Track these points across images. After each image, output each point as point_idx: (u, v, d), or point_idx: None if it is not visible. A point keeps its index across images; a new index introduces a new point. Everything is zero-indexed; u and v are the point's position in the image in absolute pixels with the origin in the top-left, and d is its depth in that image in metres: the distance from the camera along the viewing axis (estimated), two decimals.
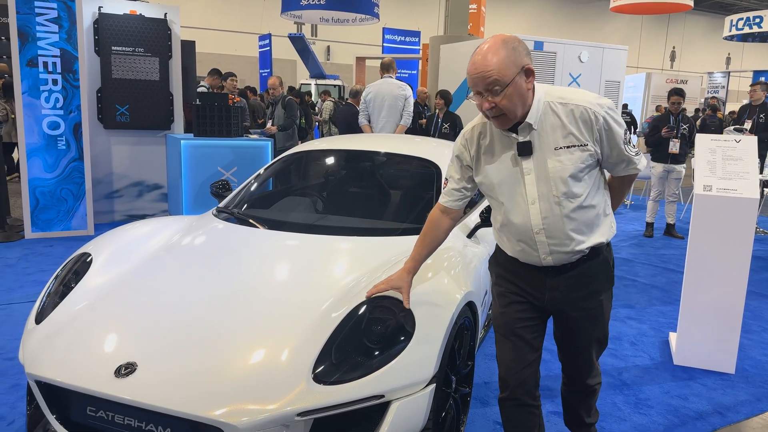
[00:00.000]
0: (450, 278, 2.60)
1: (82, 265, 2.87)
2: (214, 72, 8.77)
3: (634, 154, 2.08)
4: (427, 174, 3.61)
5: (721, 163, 3.55)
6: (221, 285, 2.65)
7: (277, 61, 21.27)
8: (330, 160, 4.04)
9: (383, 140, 4.41)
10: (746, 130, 8.72)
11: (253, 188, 3.83)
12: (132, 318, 2.48)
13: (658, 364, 3.77)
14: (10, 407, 2.96)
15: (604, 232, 2.12)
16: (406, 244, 2.94)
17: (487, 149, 2.09)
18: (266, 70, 19.50)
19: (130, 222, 3.42)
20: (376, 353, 2.22)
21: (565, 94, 2.00)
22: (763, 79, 17.46)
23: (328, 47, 29.79)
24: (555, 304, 2.17)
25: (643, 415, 3.09)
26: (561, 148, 1.96)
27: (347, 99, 7.86)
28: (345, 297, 2.45)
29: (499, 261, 2.30)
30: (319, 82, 21.38)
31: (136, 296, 2.64)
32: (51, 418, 2.31)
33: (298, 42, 19.09)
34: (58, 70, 6.23)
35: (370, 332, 2.28)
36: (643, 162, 2.13)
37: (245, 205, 3.64)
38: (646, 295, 5.23)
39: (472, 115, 2.30)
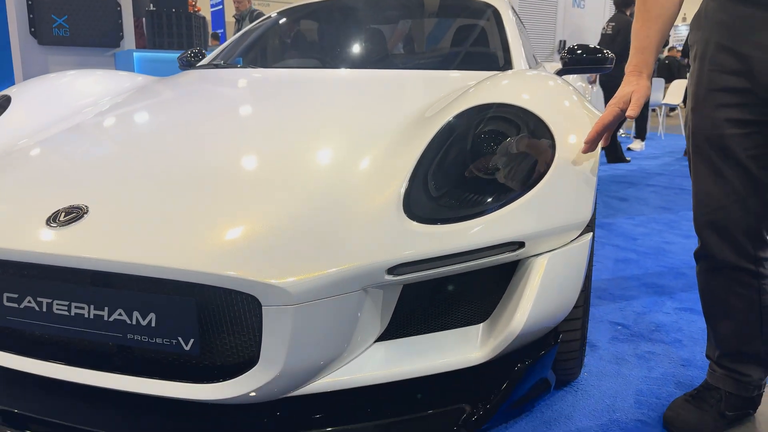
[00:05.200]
0: (577, 94, 1.70)
1: None
2: None
3: None
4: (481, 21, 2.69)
5: None
6: (230, 125, 1.70)
7: (231, 23, 19.80)
8: (346, 10, 3.04)
9: None
10: None
11: (240, 47, 2.83)
12: (81, 154, 1.53)
13: None
14: None
15: None
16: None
17: None
18: (220, 31, 18.20)
19: None
20: (498, 185, 1.32)
21: None
22: None
23: None
24: None
25: None
26: None
27: None
28: (439, 105, 1.56)
29: (714, 13, 1.33)
30: None
31: (89, 139, 1.68)
32: None
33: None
34: None
35: (483, 153, 1.38)
36: None
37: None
38: None
39: None
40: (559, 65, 2.71)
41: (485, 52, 2.43)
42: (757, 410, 1.54)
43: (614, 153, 6.27)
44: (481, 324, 1.33)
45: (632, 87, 1.35)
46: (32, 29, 5.87)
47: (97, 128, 1.72)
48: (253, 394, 1.15)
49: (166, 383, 1.18)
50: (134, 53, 5.34)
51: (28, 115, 1.85)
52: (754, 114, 1.29)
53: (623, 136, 8.23)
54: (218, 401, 1.16)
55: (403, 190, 1.26)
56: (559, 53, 7.63)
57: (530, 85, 1.62)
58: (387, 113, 1.65)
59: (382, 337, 1.27)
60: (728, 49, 1.30)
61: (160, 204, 1.24)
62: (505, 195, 1.27)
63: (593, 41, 7.77)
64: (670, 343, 1.96)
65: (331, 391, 1.22)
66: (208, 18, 19.94)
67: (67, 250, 1.13)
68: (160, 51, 5.51)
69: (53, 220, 1.19)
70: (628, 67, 1.38)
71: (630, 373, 1.76)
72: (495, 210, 1.25)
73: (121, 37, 6.28)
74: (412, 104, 1.67)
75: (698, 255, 1.46)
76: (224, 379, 1.16)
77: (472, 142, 1.38)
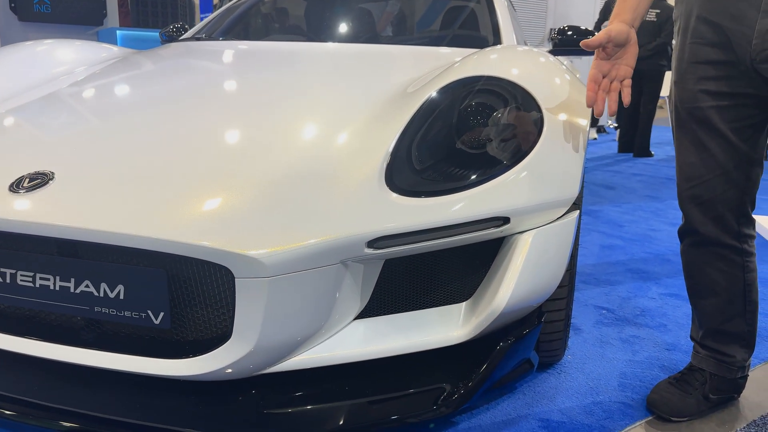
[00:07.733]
0: (568, 72, 1.66)
1: None
2: None
3: None
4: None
5: None
6: (209, 96, 1.64)
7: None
8: None
9: None
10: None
11: (224, 23, 2.76)
12: (50, 122, 1.46)
13: None
14: None
15: None
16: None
17: None
18: (206, 15, 18.03)
19: None
20: (484, 159, 1.28)
21: None
22: None
23: None
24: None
25: None
26: None
27: None
28: (426, 78, 1.51)
29: None
30: None
31: (60, 107, 1.61)
32: None
33: None
34: None
35: (469, 127, 1.33)
36: None
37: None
38: None
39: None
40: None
41: (475, 32, 2.38)
42: (741, 394, 1.53)
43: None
44: (464, 302, 1.29)
45: (626, 37, 1.28)
46: (12, 5, 5.73)
47: (69, 97, 1.65)
48: (228, 370, 1.11)
49: (135, 358, 1.13)
50: (117, 31, 5.23)
51: (1, 82, 1.77)
52: (735, 86, 1.27)
53: (611, 126, 8.21)
54: (190, 377, 1.12)
55: (385, 162, 1.22)
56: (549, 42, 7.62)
57: (520, 60, 1.58)
58: (372, 86, 1.60)
59: (363, 314, 1.23)
60: (708, 22, 1.27)
61: (131, 171, 1.19)
62: (491, 169, 1.23)
63: None
64: (654, 328, 1.94)
65: (309, 369, 1.18)
66: (196, 0, 19.77)
67: (31, 217, 1.07)
68: (144, 30, 5.39)
69: (17, 185, 1.13)
70: (621, 19, 1.30)
71: (614, 356, 1.74)
72: (480, 184, 1.20)
73: (105, 15, 6.15)
74: (399, 77, 1.63)
75: (682, 231, 1.44)
76: (196, 355, 1.11)
77: (458, 115, 1.34)
